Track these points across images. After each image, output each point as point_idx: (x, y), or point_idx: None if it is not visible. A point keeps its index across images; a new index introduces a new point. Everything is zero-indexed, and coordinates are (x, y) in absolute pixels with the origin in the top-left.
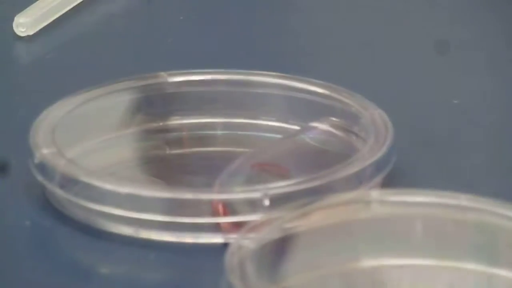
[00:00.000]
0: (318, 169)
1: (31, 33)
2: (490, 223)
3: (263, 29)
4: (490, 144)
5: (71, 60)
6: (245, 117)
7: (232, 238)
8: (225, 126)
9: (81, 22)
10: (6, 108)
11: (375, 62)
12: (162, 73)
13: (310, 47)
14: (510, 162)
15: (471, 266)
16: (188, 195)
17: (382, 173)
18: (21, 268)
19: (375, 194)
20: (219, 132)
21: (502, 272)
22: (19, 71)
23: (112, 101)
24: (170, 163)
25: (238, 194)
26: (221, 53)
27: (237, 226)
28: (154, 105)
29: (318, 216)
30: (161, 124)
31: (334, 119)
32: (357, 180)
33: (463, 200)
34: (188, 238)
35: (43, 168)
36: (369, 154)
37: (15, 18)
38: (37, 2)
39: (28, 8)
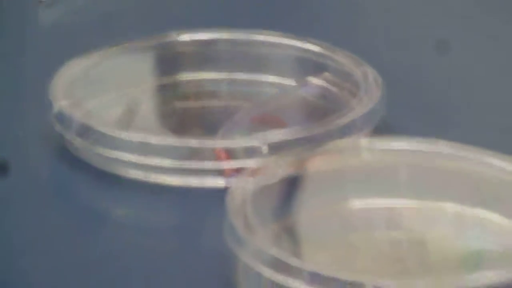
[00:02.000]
0: (313, 120)
1: None
2: (468, 168)
3: None
4: (472, 100)
5: (87, 22)
6: (246, 74)
7: (233, 182)
8: (229, 81)
9: None
10: (28, 65)
11: (370, 25)
12: (172, 33)
13: (308, 8)
14: (488, 116)
15: (454, 207)
16: (194, 143)
17: (371, 125)
18: (41, 210)
19: (364, 142)
20: (223, 87)
21: (478, 212)
22: (40, 32)
23: (126, 59)
24: (179, 115)
25: (239, 142)
26: (226, 14)
27: (238, 171)
28: (165, 62)
29: (312, 162)
30: (171, 79)
31: (327, 74)
32: (349, 131)
33: (443, 147)
34: (194, 182)
35: (61, 118)
36: (359, 107)
37: None
38: None
39: None
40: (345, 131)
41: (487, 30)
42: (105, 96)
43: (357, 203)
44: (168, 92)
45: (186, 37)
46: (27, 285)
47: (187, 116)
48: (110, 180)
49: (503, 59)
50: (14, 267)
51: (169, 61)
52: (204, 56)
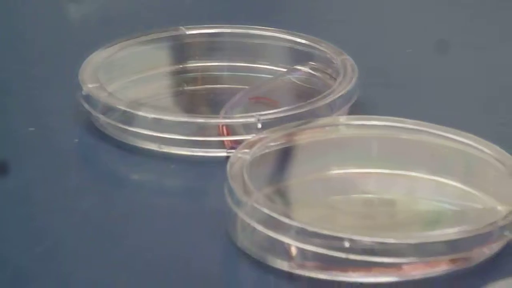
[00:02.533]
0: (300, 101)
1: None
2: (428, 141)
3: None
4: (432, 84)
5: (109, 17)
6: (245, 62)
7: (233, 152)
8: (230, 68)
9: None
10: (61, 54)
11: (349, 21)
12: (181, 27)
13: (297, 6)
14: (445, 97)
15: (419, 174)
16: (200, 120)
17: (348, 104)
18: (71, 175)
19: (342, 119)
20: (225, 73)
21: (440, 179)
22: (71, 27)
23: (143, 49)
24: (187, 96)
25: (237, 119)
26: (227, 11)
27: (236, 143)
28: (175, 51)
29: (299, 136)
30: (180, 66)
31: (312, 63)
32: (329, 109)
33: (409, 124)
34: (199, 153)
35: (88, 99)
36: (338, 89)
37: None
38: None
39: None
40: (327, 109)
41: (450, 25)
42: (124, 80)
43: (337, 171)
44: (178, 77)
45: (193, 30)
46: (60, 235)
47: (194, 97)
48: (128, 150)
49: (461, 50)
50: (47, 220)
51: (179, 51)
52: (209, 46)
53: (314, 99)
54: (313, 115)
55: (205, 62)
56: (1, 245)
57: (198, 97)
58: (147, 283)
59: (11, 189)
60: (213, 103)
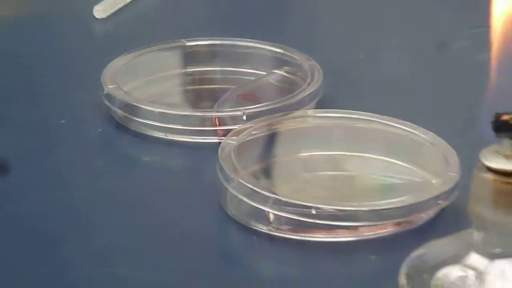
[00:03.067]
0: (277, 97)
1: (104, 16)
2: (380, 129)
3: (245, 11)
4: (385, 83)
5: (128, 31)
6: (233, 67)
7: (223, 139)
8: (221, 72)
9: (135, 9)
10: (88, 62)
11: (314, 34)
12: (183, 40)
13: (274, 23)
14: (396, 93)
15: (372, 155)
16: (197, 113)
17: (315, 100)
18: (94, 158)
19: (310, 112)
20: (217, 76)
21: (388, 159)
22: (96, 40)
23: (153, 56)
24: (188, 94)
25: (227, 113)
26: (219, 26)
27: (226, 132)
28: (178, 59)
29: (276, 126)
30: (182, 71)
31: (287, 68)
32: (300, 104)
33: (363, 115)
34: (197, 139)
35: (109, 97)
36: (307, 89)
37: (95, 7)
38: None
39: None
40: (298, 104)
41: (395, 32)
42: (137, 82)
43: (306, 153)
44: (180, 79)
45: (192, 42)
46: (86, 205)
47: (193, 95)
48: (140, 138)
49: (405, 53)
50: (75, 193)
51: (181, 58)
52: (204, 55)
53: (288, 96)
54: (288, 109)
55: (202, 67)
56: (38, 214)
57: (196, 95)
58: (156, 242)
59: (47, 169)
60: (209, 99)
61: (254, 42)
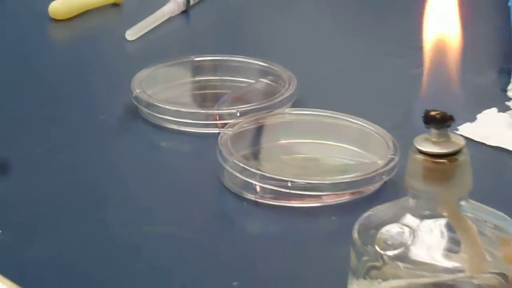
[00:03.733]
0: (262, 99)
1: (133, 38)
2: (339, 123)
3: (239, 35)
4: (347, 90)
5: (150, 51)
6: (230, 76)
7: (222, 130)
8: (221, 80)
9: (157, 32)
10: (121, 73)
11: (291, 51)
12: (192, 56)
13: (260, 43)
14: (357, 96)
15: (333, 143)
16: (202, 111)
17: (291, 102)
18: (126, 144)
19: (288, 110)
20: (218, 83)
21: (345, 145)
22: (128, 58)
23: (169, 69)
24: (195, 97)
25: (225, 110)
26: (220, 46)
27: (224, 125)
28: (188, 70)
29: (262, 120)
30: (191, 79)
31: (270, 77)
32: (280, 104)
33: (327, 113)
34: (202, 130)
35: (136, 98)
36: (285, 93)
37: (127, 31)
38: (139, 23)
39: (134, 26)
40: (278, 105)
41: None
42: (157, 88)
43: (284, 141)
44: (191, 85)
45: (199, 58)
46: (118, 177)
47: (200, 97)
48: (160, 129)
49: (368, 65)
50: (111, 167)
51: (191, 70)
52: (208, 67)
53: (271, 98)
54: (270, 108)
55: (206, 77)
56: (86, 183)
57: (202, 97)
58: (171, 205)
59: (91, 151)
60: (211, 101)
61: (245, 58)
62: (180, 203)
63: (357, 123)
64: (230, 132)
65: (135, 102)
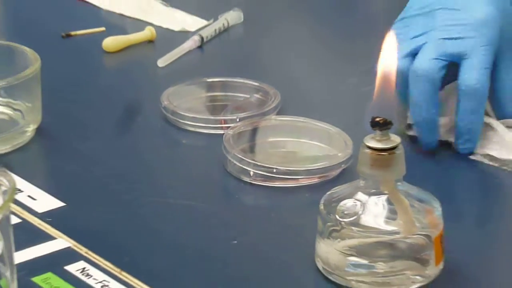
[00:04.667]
0: (255, 109)
1: (163, 65)
2: (310, 126)
3: (240, 61)
4: (317, 103)
5: (176, 74)
6: (232, 92)
7: (226, 131)
8: (225, 95)
9: (181, 61)
10: (154, 90)
11: (276, 73)
12: (205, 78)
13: (254, 68)
14: (321, 108)
15: (306, 141)
16: (212, 117)
17: (276, 110)
18: (156, 140)
19: (274, 117)
20: (223, 97)
21: (315, 142)
22: (159, 79)
23: (189, 87)
24: (207, 107)
25: (228, 117)
26: (225, 71)
27: (228, 127)
28: (203, 88)
29: (255, 124)
30: (204, 95)
31: (260, 93)
32: (269, 112)
33: (302, 119)
34: (212, 131)
35: (165, 108)
36: (271, 105)
37: (158, 60)
38: (167, 54)
39: (163, 56)
40: (267, 113)
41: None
42: (180, 101)
43: (271, 139)
44: (204, 99)
45: (210, 79)
46: (150, 168)
47: (211, 107)
48: (182, 130)
49: (331, 84)
50: (142, 160)
51: (205, 88)
52: (217, 86)
53: (262, 109)
54: (261, 115)
55: (215, 93)
56: (130, 165)
57: (212, 108)
58: (187, 184)
59: (130, 146)
60: (219, 110)
61: (243, 79)
62: (195, 183)
63: (323, 126)
64: (231, 132)
65: (163, 111)
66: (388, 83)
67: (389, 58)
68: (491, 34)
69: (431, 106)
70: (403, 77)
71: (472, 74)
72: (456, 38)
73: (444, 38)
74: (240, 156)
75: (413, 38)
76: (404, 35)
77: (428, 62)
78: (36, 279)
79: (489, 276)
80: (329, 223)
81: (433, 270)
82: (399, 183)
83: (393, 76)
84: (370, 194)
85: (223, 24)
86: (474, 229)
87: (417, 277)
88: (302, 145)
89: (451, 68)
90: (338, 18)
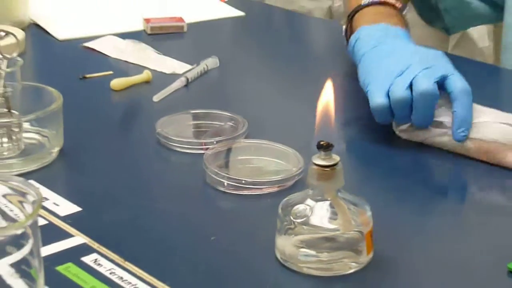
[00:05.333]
0: (229, 134)
1: (157, 100)
2: (272, 147)
3: (217, 96)
4: (277, 129)
5: (167, 107)
6: (210, 121)
7: (206, 151)
8: (205, 124)
9: (171, 97)
10: (150, 119)
11: (246, 105)
12: (191, 110)
13: (227, 103)
14: (281, 134)
15: (269, 158)
16: (195, 140)
17: (244, 135)
18: (149, 158)
19: (243, 139)
20: (204, 125)
21: (275, 160)
22: (154, 110)
23: (177, 117)
24: (193, 132)
25: (208, 140)
26: (205, 104)
27: (207, 148)
28: (188, 117)
29: (229, 146)
30: (190, 123)
31: (233, 121)
32: (239, 137)
33: (265, 142)
34: (195, 151)
35: (159, 134)
36: (241, 131)
37: (154, 96)
38: (161, 92)
39: (158, 93)
40: (237, 137)
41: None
42: (170, 128)
43: (242, 157)
44: (190, 126)
45: (194, 111)
46: (142, 178)
47: (195, 133)
48: (171, 151)
49: (288, 114)
50: (136, 172)
51: (191, 117)
52: (200, 116)
53: (233, 134)
54: (233, 139)
55: (199, 121)
56: (129, 177)
57: (196, 133)
58: (171, 192)
59: (131, 162)
60: (201, 135)
61: (219, 111)
62: (181, 191)
63: (281, 147)
64: (210, 152)
65: (157, 136)
66: (328, 116)
67: (327, 98)
68: (446, 59)
69: (432, 114)
70: (407, 104)
71: (462, 82)
72: (432, 66)
73: (425, 68)
74: (216, 171)
75: (398, 76)
76: (387, 74)
77: (432, 86)
78: (59, 268)
79: (407, 261)
80: (285, 223)
81: (365, 258)
82: (339, 192)
83: (331, 111)
84: (317, 200)
85: (204, 68)
86: (398, 227)
87: (353, 263)
88: (265, 162)
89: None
90: (294, 61)
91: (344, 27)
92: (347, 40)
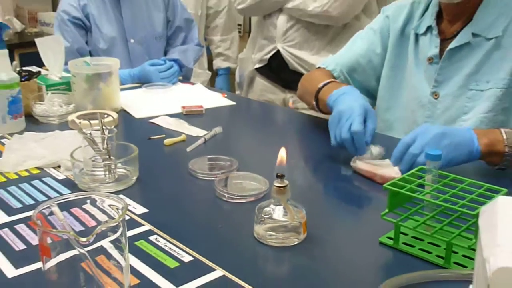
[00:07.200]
0: (228, 169)
1: (190, 150)
2: (250, 176)
3: (220, 147)
4: (255, 166)
5: (195, 155)
6: (218, 162)
7: (215, 179)
8: (215, 163)
9: (197, 149)
10: (186, 162)
11: (239, 151)
12: (207, 155)
13: (228, 150)
14: (258, 168)
15: (246, 181)
16: (210, 172)
17: (236, 169)
18: (184, 186)
19: (235, 172)
20: (214, 164)
21: (252, 182)
22: (187, 157)
23: (202, 158)
24: (208, 168)
25: (217, 172)
26: (213, 153)
27: (216, 177)
28: (206, 160)
29: (227, 175)
30: (207, 163)
31: (230, 162)
32: (233, 170)
33: (247, 173)
34: (210, 178)
35: (190, 169)
36: (234, 166)
37: (187, 148)
38: (191, 145)
39: (189, 146)
40: (232, 171)
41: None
42: (196, 166)
43: (235, 181)
44: (207, 164)
45: (209, 156)
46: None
47: (210, 167)
48: (196, 179)
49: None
50: (176, 195)
51: (206, 160)
52: (212, 160)
53: (230, 168)
54: (230, 171)
55: (211, 162)
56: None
57: (210, 167)
58: (191, 202)
59: (174, 185)
60: (213, 169)
61: (223, 156)
62: (201, 201)
63: (256, 175)
64: (218, 179)
65: (189, 170)
66: (282, 160)
67: (282, 153)
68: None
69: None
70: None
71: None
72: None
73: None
74: (221, 189)
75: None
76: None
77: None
78: (136, 243)
79: (327, 237)
80: (259, 218)
81: (302, 236)
82: (288, 200)
83: (284, 158)
84: (276, 205)
85: (214, 132)
86: (321, 219)
87: (296, 239)
88: (247, 183)
89: None
90: (266, 132)
91: (314, 102)
92: (319, 106)
